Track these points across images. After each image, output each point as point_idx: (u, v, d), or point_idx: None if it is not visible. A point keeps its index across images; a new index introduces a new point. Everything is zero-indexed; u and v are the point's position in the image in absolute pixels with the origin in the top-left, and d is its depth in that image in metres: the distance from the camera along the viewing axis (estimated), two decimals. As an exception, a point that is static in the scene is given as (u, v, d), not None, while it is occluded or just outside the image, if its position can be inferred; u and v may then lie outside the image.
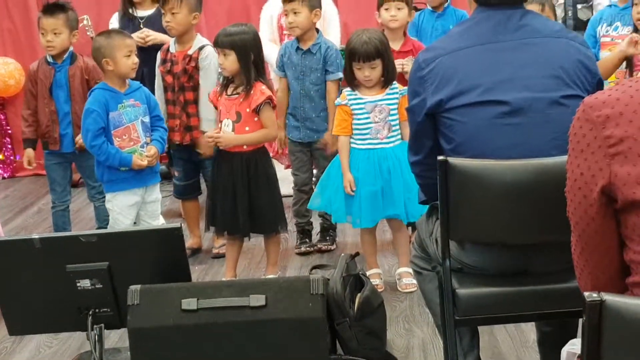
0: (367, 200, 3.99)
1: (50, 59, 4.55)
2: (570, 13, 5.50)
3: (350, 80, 4.02)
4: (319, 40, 4.49)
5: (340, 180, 4.03)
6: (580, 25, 5.33)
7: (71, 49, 4.55)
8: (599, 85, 2.53)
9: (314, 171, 4.78)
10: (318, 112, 4.52)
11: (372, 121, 3.98)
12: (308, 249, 4.70)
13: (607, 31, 4.77)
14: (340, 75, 4.41)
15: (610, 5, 4.88)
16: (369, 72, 3.92)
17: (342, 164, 4.03)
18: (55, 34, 4.44)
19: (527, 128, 2.44)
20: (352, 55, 3.93)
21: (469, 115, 2.47)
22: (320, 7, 4.49)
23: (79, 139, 4.42)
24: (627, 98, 1.60)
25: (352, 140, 4.03)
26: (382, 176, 3.97)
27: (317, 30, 4.54)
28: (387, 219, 4.12)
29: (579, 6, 5.17)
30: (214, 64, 4.44)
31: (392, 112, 3.98)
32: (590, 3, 5.44)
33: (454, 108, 2.49)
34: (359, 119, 4.00)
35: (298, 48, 4.51)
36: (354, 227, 4.16)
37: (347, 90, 4.04)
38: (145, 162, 4.00)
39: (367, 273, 4.03)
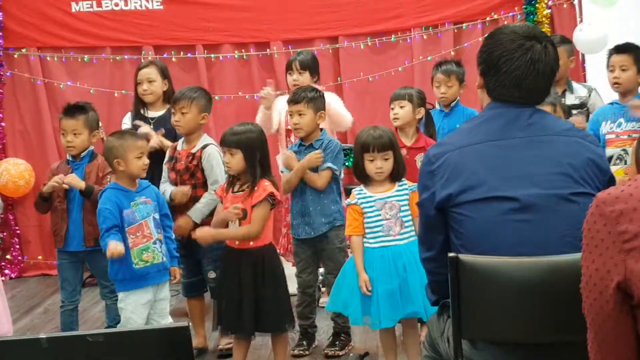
0: (385, 300, 3.89)
1: (70, 158, 4.61)
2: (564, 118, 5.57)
3: (360, 175, 4.02)
4: (322, 137, 4.53)
5: (356, 281, 3.94)
6: None
7: (91, 148, 4.61)
8: (610, 183, 2.53)
9: (321, 269, 4.72)
10: (316, 206, 4.49)
11: (384, 218, 3.95)
12: (301, 351, 4.57)
13: (611, 128, 4.88)
14: (330, 165, 4.40)
15: (612, 103, 4.98)
16: (381, 163, 3.93)
17: (356, 264, 3.95)
18: (75, 134, 4.52)
19: (537, 224, 2.43)
20: (365, 147, 3.95)
21: (478, 210, 2.47)
22: (324, 108, 4.54)
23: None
24: (640, 193, 1.60)
25: (365, 239, 3.98)
26: (398, 274, 3.89)
27: (321, 130, 4.58)
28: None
29: (574, 112, 5.24)
30: (216, 162, 4.48)
31: (402, 208, 3.96)
32: (586, 109, 5.53)
33: (463, 203, 2.49)
34: (369, 217, 3.97)
35: (301, 144, 4.56)
36: (372, 329, 4.06)
37: (356, 190, 4.04)
38: (117, 252, 3.87)
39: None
